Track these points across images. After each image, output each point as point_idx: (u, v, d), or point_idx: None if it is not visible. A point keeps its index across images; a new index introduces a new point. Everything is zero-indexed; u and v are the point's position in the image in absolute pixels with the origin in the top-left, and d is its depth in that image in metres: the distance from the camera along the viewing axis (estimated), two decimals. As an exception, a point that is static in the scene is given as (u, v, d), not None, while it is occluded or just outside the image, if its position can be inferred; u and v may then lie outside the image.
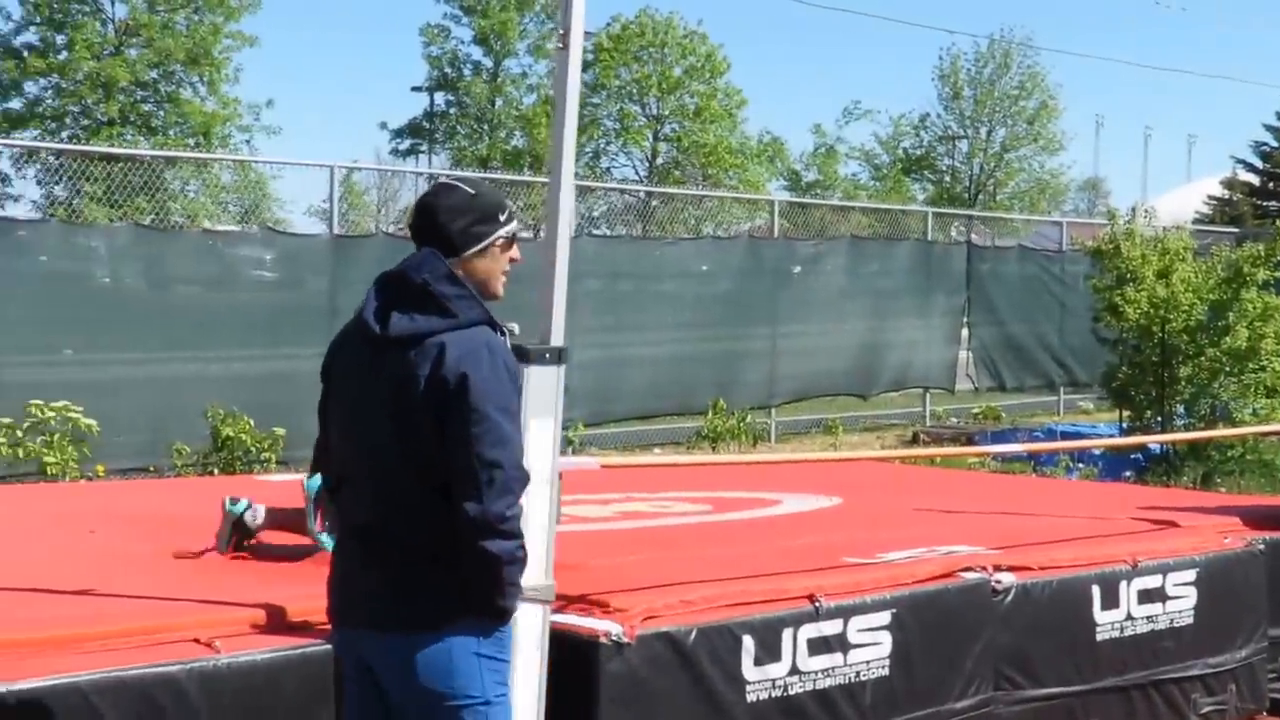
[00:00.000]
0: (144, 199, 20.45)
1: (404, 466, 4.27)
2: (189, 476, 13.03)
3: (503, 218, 4.47)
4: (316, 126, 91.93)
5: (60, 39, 38.94)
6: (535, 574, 5.08)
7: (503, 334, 4.39)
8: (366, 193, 49.44)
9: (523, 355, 5.08)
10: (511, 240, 4.51)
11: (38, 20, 39.00)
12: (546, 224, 5.39)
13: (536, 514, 5.11)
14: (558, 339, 5.24)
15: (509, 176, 33.66)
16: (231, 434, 13.45)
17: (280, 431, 13.67)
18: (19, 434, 12.70)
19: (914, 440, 20.83)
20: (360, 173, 43.40)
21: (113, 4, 39.66)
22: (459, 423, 4.18)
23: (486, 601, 4.26)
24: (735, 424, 18.61)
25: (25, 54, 38.93)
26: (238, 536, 6.75)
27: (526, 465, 4.35)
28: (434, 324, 4.25)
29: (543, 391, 5.14)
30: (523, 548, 4.30)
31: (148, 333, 14.45)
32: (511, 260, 4.51)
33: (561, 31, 5.27)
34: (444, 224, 4.39)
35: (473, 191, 4.50)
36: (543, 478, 5.11)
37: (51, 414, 12.74)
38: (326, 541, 6.56)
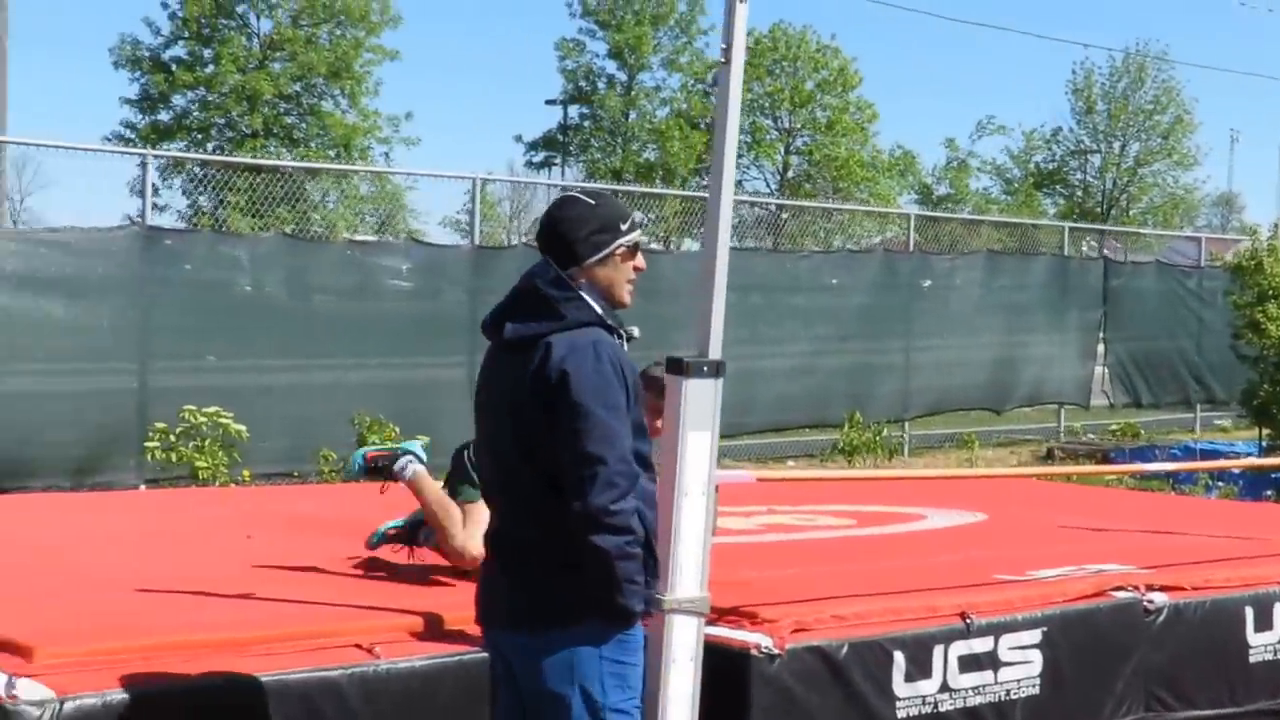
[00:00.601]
0: (285, 209, 20.81)
1: (522, 468, 4.38)
2: (335, 483, 13.19)
3: (624, 227, 4.55)
4: (452, 139, 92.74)
5: (207, 53, 39.69)
6: (690, 586, 5.11)
7: (620, 337, 4.47)
8: (500, 204, 49.85)
9: (680, 368, 5.13)
10: (634, 249, 4.59)
11: (186, 35, 39.79)
12: (705, 236, 5.42)
13: (692, 526, 5.13)
14: (715, 352, 5.25)
15: (642, 189, 33.79)
16: (378, 441, 13.59)
17: (424, 439, 13.80)
18: (172, 439, 12.95)
19: (1048, 456, 20.61)
20: (494, 184, 43.74)
21: (258, 19, 40.38)
22: (563, 419, 4.27)
23: (606, 600, 4.29)
24: (871, 437, 18.54)
25: (174, 67, 39.73)
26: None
27: (632, 462, 4.34)
28: (543, 326, 4.37)
29: (700, 404, 5.15)
30: (635, 543, 4.30)
31: (295, 341, 14.64)
32: (636, 269, 4.59)
33: (724, 46, 5.30)
34: (565, 233, 4.50)
35: (593, 202, 4.60)
36: (699, 490, 5.14)
37: (203, 419, 12.99)
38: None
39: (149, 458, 13.03)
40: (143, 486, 13.15)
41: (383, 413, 14.06)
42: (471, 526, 6.39)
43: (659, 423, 5.94)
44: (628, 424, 4.34)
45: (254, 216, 20.87)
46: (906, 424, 20.68)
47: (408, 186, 37.17)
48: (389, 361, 15.18)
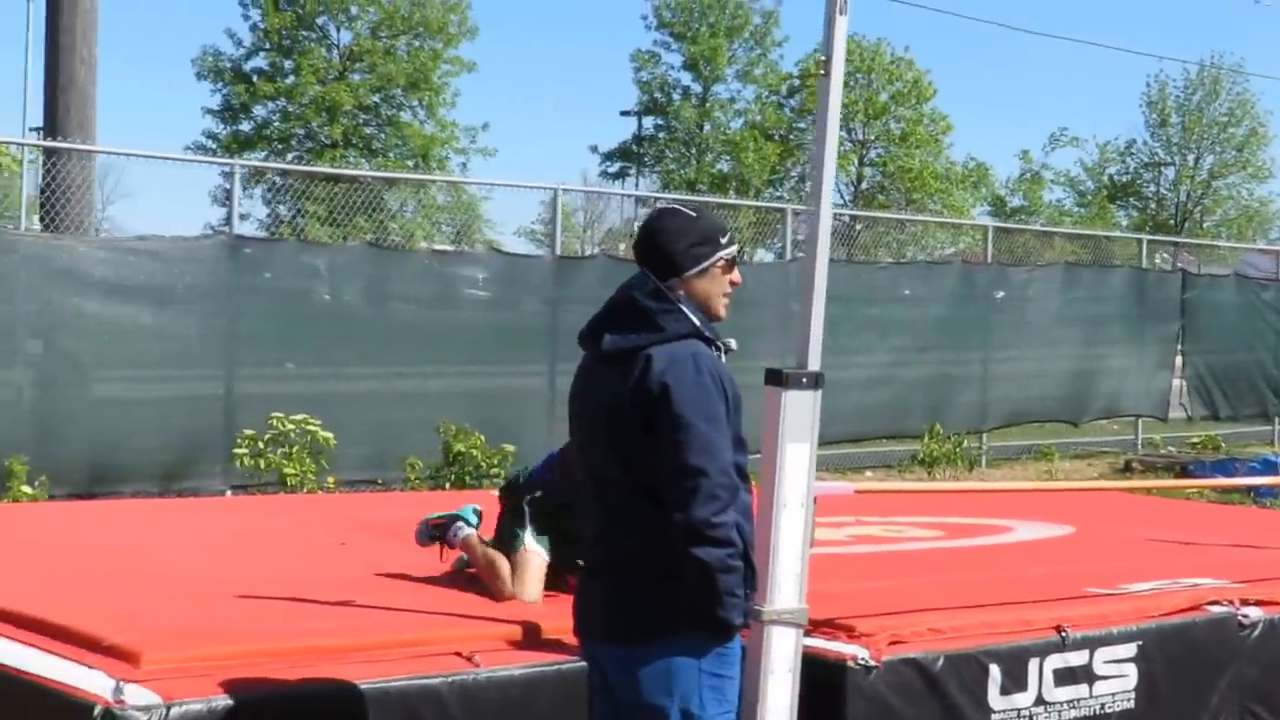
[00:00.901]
0: (363, 218, 20.97)
1: (620, 480, 4.37)
2: (422, 490, 13.28)
3: (723, 240, 4.56)
4: (527, 150, 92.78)
5: (288, 64, 40.14)
6: (789, 597, 5.11)
7: (717, 349, 4.47)
8: (574, 214, 50.10)
9: (779, 380, 5.13)
10: (732, 263, 4.59)
11: (267, 46, 40.25)
12: (805, 248, 5.44)
13: (791, 538, 5.13)
14: (814, 364, 5.26)
15: (717, 199, 33.84)
16: (463, 449, 13.66)
17: (510, 448, 13.88)
18: (260, 445, 13.08)
19: (1126, 468, 20.48)
20: (568, 195, 44.00)
21: (338, 30, 40.89)
22: (663, 431, 4.26)
23: (706, 613, 4.28)
24: (951, 448, 18.49)
25: (255, 79, 40.20)
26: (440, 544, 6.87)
27: (733, 475, 4.33)
28: (641, 339, 4.36)
29: (799, 416, 5.15)
30: (736, 556, 4.28)
31: (378, 349, 14.72)
32: (732, 283, 4.59)
33: (823, 58, 5.32)
34: (665, 245, 4.50)
35: (694, 214, 4.60)
36: (798, 501, 5.14)
37: (291, 427, 13.11)
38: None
39: (238, 464, 13.15)
40: (229, 492, 13.28)
41: (467, 421, 14.12)
42: (520, 577, 6.44)
43: None
44: (728, 436, 4.33)
45: (332, 226, 21.07)
46: (984, 435, 20.61)
47: (483, 197, 37.50)
48: (470, 370, 15.27)
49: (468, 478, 13.49)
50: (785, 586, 5.11)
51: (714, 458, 4.26)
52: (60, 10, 15.34)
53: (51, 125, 15.28)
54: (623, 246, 31.45)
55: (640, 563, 4.34)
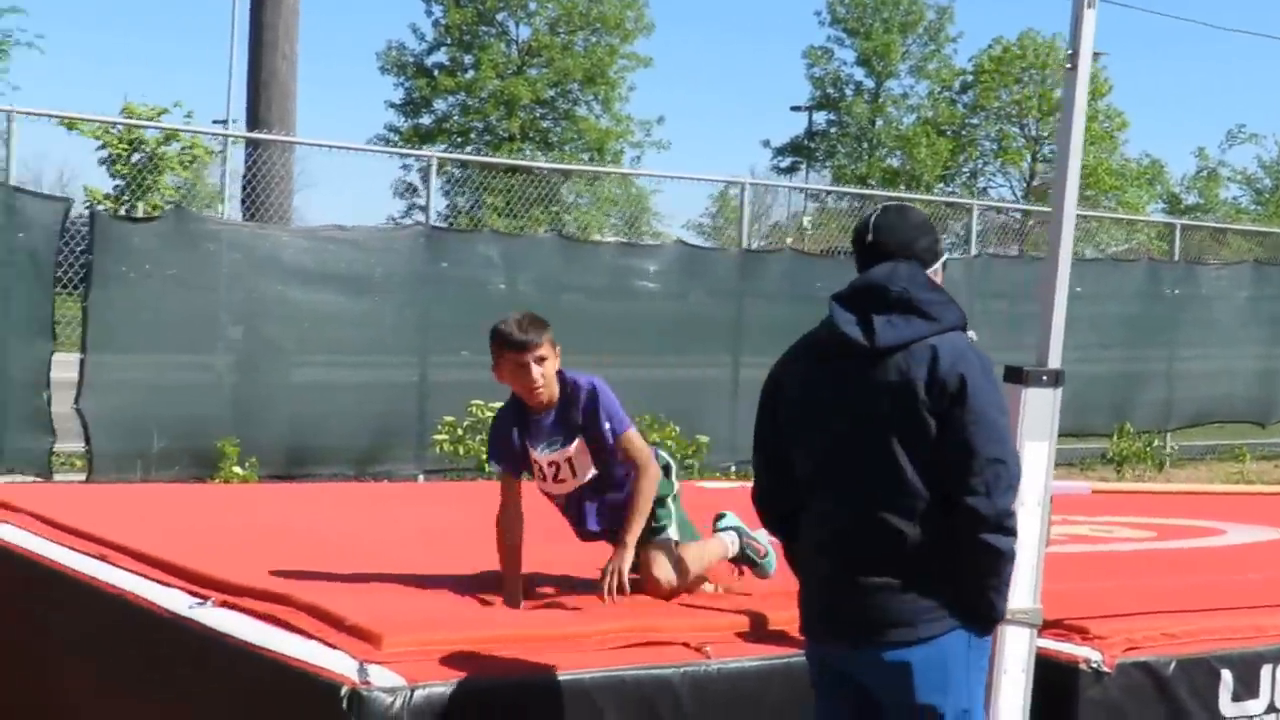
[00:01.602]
0: (539, 210, 21.13)
1: (894, 473, 4.25)
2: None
3: (941, 238, 4.57)
4: (697, 143, 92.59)
5: (468, 59, 40.77)
6: (1024, 596, 5.07)
7: None
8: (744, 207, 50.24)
9: (1020, 377, 5.10)
10: None
11: (448, 41, 40.92)
12: (1048, 247, 5.41)
13: (1029, 536, 5.07)
14: (1055, 362, 5.23)
15: (886, 194, 33.66)
16: (657, 440, 13.67)
17: (704, 439, 13.87)
18: (459, 432, 13.22)
19: (1314, 470, 20.11)
20: (735, 189, 44.10)
21: (517, 26, 41.48)
22: (962, 423, 4.21)
23: (983, 602, 4.26)
24: (1141, 448, 18.23)
25: (436, 73, 40.88)
26: None
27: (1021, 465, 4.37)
28: (919, 329, 4.30)
29: (1039, 414, 5.13)
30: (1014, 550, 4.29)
31: (568, 338, 14.64)
32: None
33: (1070, 52, 5.26)
34: (913, 240, 4.50)
35: (925, 213, 4.64)
36: (1036, 500, 5.10)
37: (490, 414, 13.21)
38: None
39: (437, 450, 13.31)
40: (421, 477, 13.45)
41: (660, 411, 14.13)
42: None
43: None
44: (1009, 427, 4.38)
45: (510, 217, 21.29)
46: (1168, 435, 20.29)
47: (652, 190, 37.84)
48: (655, 360, 15.30)
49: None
50: (1021, 585, 5.06)
51: (1008, 448, 4.30)
52: (264, 8, 15.70)
53: (254, 118, 15.65)
54: (789, 240, 31.37)
55: (911, 559, 4.25)
